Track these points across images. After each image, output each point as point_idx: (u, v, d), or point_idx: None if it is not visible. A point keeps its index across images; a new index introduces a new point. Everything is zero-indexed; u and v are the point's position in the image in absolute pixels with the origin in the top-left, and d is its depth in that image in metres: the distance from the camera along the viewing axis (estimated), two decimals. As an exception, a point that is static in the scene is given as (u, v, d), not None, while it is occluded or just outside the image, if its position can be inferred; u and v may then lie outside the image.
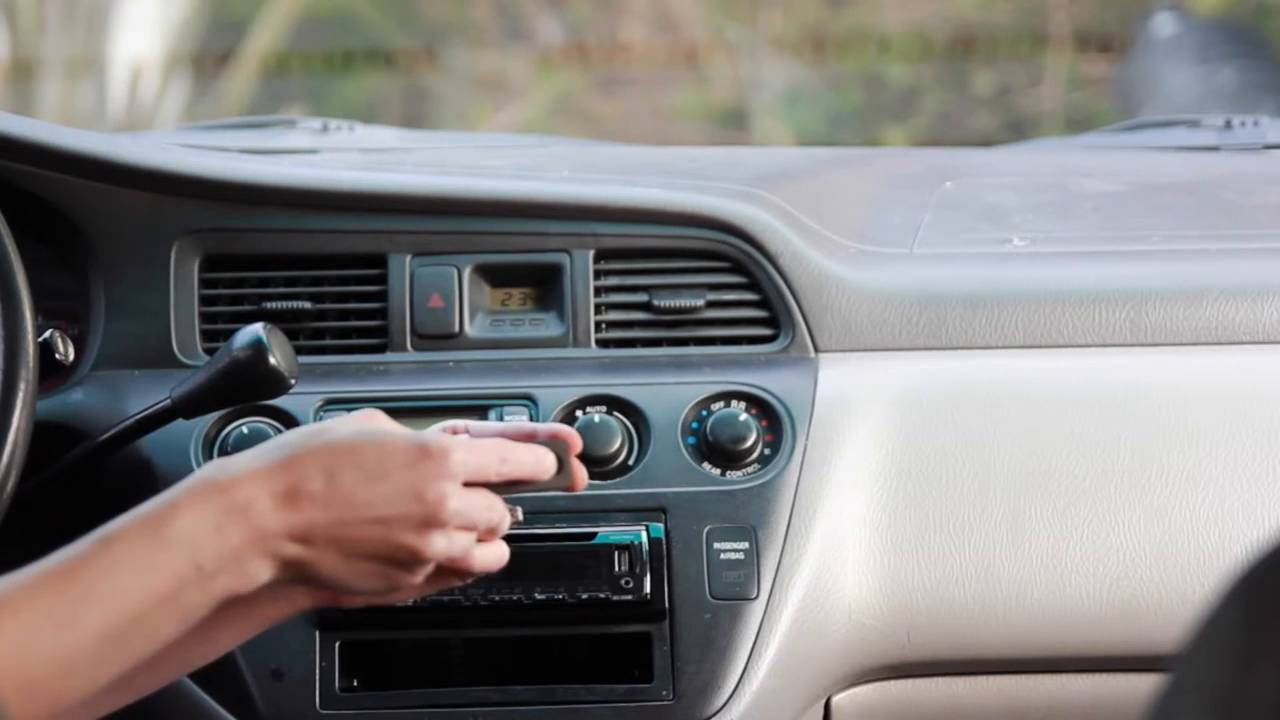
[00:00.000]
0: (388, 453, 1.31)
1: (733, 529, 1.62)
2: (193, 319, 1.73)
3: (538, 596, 1.60)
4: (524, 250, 1.75)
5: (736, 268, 1.74)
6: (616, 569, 1.60)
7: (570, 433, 1.42)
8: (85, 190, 1.73)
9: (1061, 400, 1.68)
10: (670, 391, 1.68)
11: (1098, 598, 1.64)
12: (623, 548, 1.61)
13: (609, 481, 1.64)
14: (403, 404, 1.66)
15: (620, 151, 2.32)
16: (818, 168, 2.01)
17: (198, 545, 1.26)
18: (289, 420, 1.66)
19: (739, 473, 1.65)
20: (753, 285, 1.74)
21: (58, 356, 1.64)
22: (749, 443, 1.65)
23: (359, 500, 1.30)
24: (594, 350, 1.73)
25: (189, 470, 1.44)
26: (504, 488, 1.37)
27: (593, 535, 1.61)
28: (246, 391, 1.56)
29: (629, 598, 1.60)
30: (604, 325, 1.74)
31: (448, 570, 1.36)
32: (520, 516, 1.40)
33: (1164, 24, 2.84)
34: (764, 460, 1.65)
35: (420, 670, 1.63)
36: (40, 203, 1.72)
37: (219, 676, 1.57)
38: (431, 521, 1.31)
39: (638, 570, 1.60)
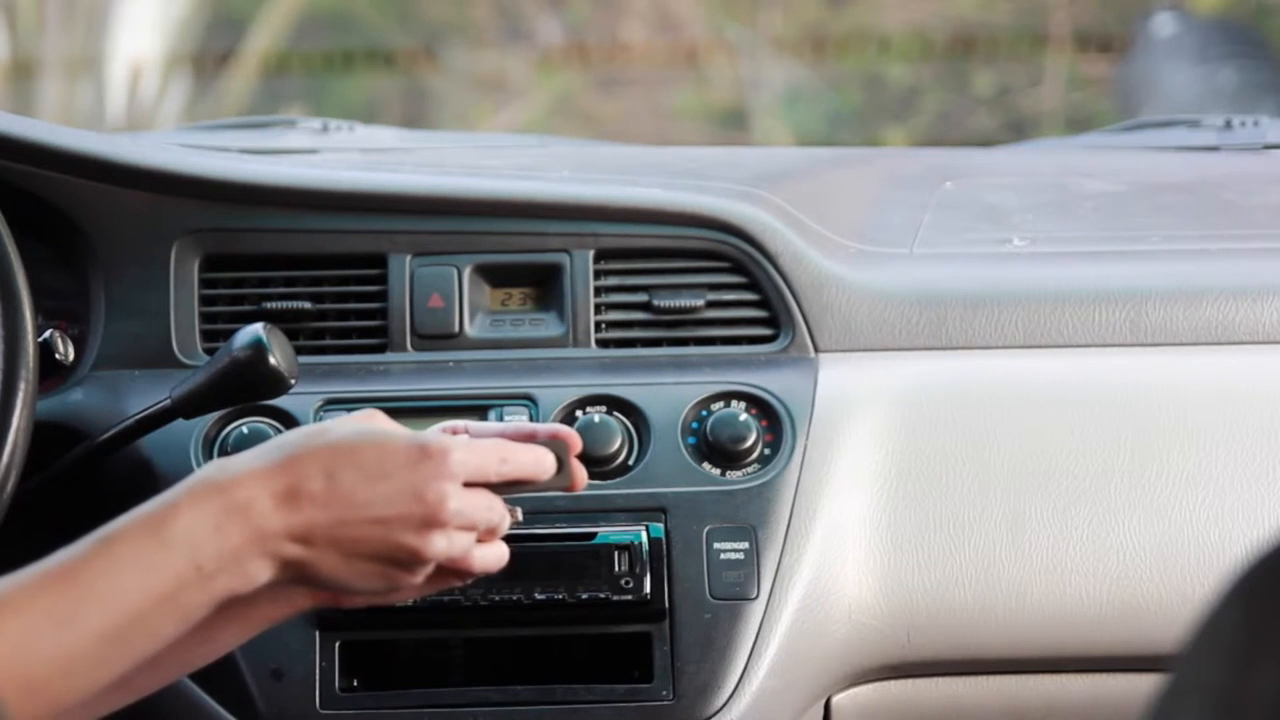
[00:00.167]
0: (388, 453, 1.31)
1: (733, 529, 1.62)
2: (193, 319, 1.73)
3: (538, 596, 1.60)
4: (524, 250, 1.75)
5: (736, 268, 1.74)
6: (616, 569, 1.60)
7: (570, 433, 1.42)
8: (85, 190, 1.73)
9: (1061, 400, 1.68)
10: (670, 391, 1.68)
11: (1098, 598, 1.64)
12: (623, 548, 1.61)
13: (609, 481, 1.64)
14: (403, 404, 1.66)
15: (620, 151, 2.32)
16: (818, 168, 2.01)
17: (198, 545, 1.26)
18: (289, 420, 1.66)
19: (739, 473, 1.65)
20: (753, 285, 1.74)
21: (58, 356, 1.64)
22: (749, 443, 1.65)
23: (359, 500, 1.30)
24: (594, 350, 1.73)
25: (189, 470, 1.44)
26: (504, 488, 1.37)
27: (593, 535, 1.61)
28: (246, 391, 1.56)
29: (629, 598, 1.60)
30: (604, 325, 1.74)
31: (448, 570, 1.36)
32: (520, 517, 1.40)
33: (1164, 24, 2.84)
34: (764, 460, 1.65)
35: (420, 670, 1.63)
36: (40, 203, 1.72)
37: (219, 676, 1.57)
38: (431, 522, 1.31)
39: (638, 570, 1.60)
